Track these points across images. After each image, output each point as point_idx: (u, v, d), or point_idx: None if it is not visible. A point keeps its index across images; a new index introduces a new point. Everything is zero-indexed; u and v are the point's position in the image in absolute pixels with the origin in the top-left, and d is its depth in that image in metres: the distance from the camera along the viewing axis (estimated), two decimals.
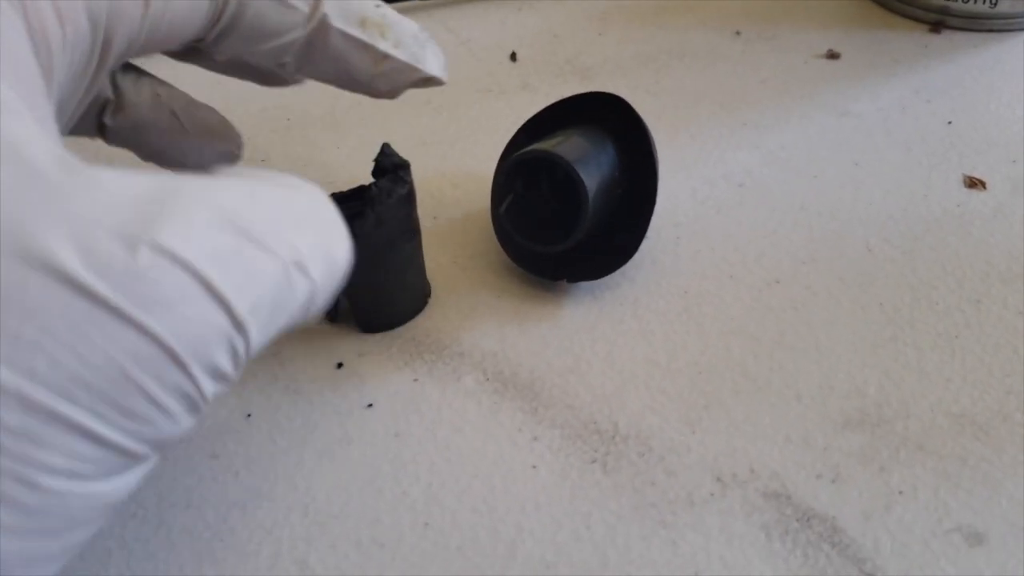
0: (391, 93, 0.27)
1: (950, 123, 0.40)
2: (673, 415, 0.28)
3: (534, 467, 0.26)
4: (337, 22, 0.24)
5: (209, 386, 0.17)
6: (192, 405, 0.17)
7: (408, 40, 0.26)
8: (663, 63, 0.45)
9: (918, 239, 0.34)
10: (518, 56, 0.45)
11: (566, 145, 0.30)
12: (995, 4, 0.45)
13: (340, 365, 0.29)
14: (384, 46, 0.25)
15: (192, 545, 0.24)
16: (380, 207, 0.28)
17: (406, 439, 0.27)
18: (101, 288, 0.15)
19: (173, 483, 0.26)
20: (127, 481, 0.17)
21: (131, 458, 0.16)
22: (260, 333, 0.17)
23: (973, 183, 0.36)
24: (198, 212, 0.16)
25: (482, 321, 0.31)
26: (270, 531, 0.25)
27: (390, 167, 0.28)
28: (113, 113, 0.26)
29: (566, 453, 0.27)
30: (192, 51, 0.25)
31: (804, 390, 0.28)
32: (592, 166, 0.30)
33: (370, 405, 0.28)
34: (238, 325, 0.17)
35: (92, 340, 0.15)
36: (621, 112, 0.33)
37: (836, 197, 0.36)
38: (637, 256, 0.31)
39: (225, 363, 0.17)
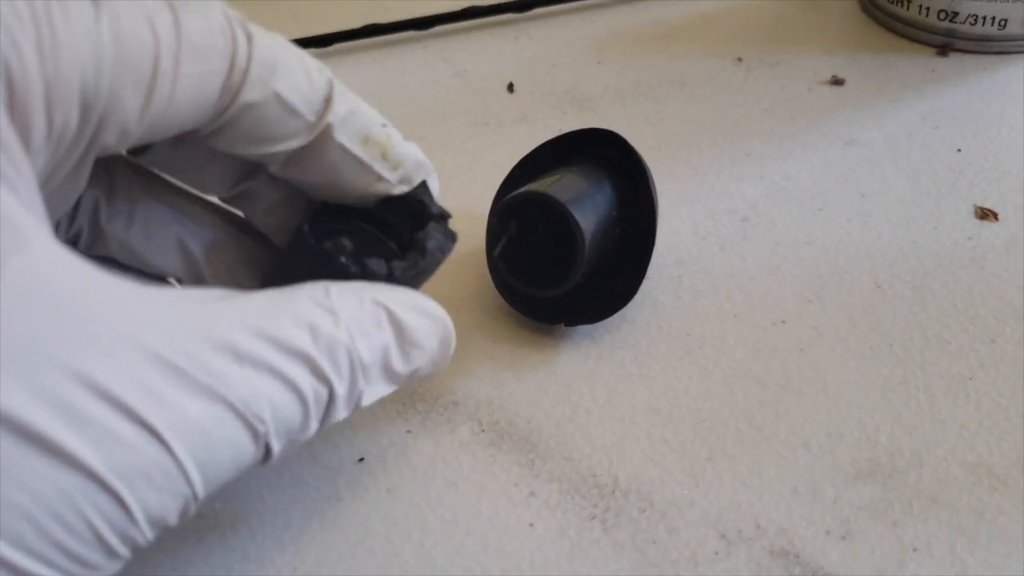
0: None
1: (959, 151, 0.39)
2: (675, 467, 0.27)
3: (531, 525, 0.25)
4: (340, 136, 0.23)
5: (152, 534, 0.18)
6: (134, 548, 0.18)
7: (409, 165, 0.24)
8: (663, 92, 0.44)
9: (928, 274, 0.33)
10: (515, 87, 0.44)
11: (561, 185, 0.29)
12: (1004, 25, 0.44)
13: None
14: (381, 167, 0.24)
15: None
16: (429, 260, 0.24)
17: (398, 495, 0.26)
18: (81, 454, 0.16)
19: (157, 546, 0.24)
20: None
21: None
22: (210, 491, 0.18)
23: (984, 214, 0.35)
24: (192, 369, 0.17)
25: (477, 367, 0.30)
26: None
27: (435, 215, 0.25)
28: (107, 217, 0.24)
29: (564, 509, 0.26)
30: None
31: (812, 438, 0.27)
32: (588, 206, 0.29)
33: (361, 459, 0.27)
34: (196, 496, 0.18)
35: (72, 506, 0.16)
36: (619, 147, 0.32)
37: (843, 231, 0.35)
38: (637, 298, 0.31)
39: (173, 520, 0.18)
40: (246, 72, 0.21)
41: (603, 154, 0.32)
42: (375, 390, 0.22)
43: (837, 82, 0.43)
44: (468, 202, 0.36)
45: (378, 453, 0.27)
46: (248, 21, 0.21)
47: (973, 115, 0.41)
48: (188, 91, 0.20)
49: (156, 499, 0.17)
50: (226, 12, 0.21)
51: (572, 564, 0.24)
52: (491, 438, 0.28)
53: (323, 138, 0.22)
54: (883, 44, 0.47)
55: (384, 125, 0.24)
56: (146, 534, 0.17)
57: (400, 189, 0.25)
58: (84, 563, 0.16)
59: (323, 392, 0.20)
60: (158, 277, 0.25)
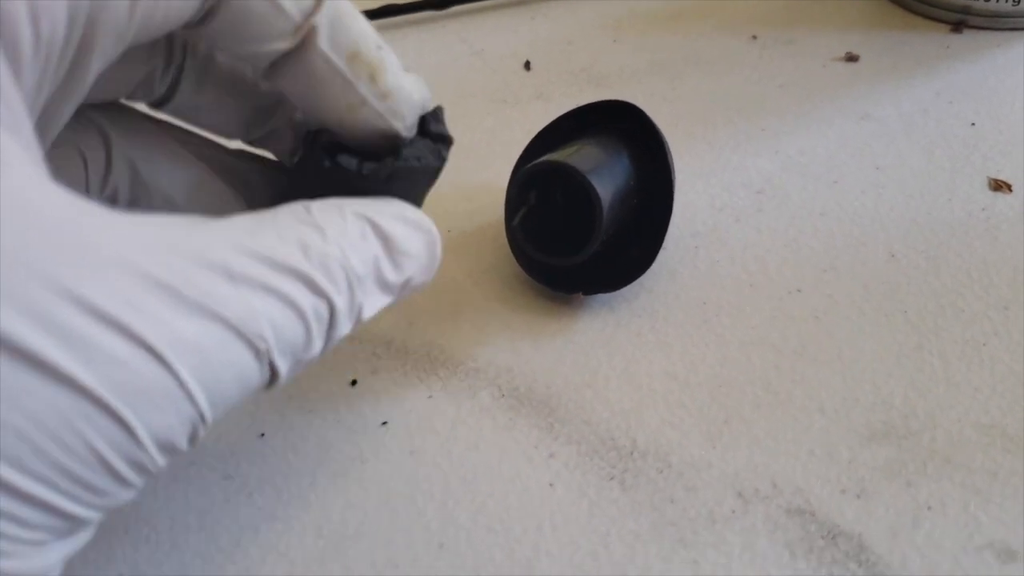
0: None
1: (973, 125, 0.39)
2: (693, 430, 0.27)
3: (551, 485, 0.26)
4: (324, 44, 0.21)
5: (163, 460, 0.17)
6: (145, 474, 0.17)
7: (401, 99, 0.22)
8: (679, 70, 0.44)
9: (943, 244, 0.33)
10: (532, 65, 0.45)
11: (580, 155, 0.30)
12: (1018, 2, 0.44)
13: (354, 382, 0.29)
14: (366, 90, 0.22)
15: (204, 568, 0.24)
16: (401, 166, 0.23)
17: (421, 457, 0.27)
18: (83, 378, 0.15)
19: (186, 505, 0.26)
20: (72, 544, 0.17)
21: (80, 524, 0.17)
22: (218, 415, 0.18)
23: (998, 186, 0.35)
24: (187, 284, 0.17)
25: (497, 336, 0.30)
26: (284, 553, 0.24)
27: (433, 134, 0.24)
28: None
29: (583, 470, 0.26)
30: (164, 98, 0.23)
31: (827, 402, 0.27)
32: (606, 176, 0.29)
33: (384, 423, 0.28)
34: (203, 418, 0.17)
35: (69, 427, 0.15)
36: (636, 120, 0.32)
37: (858, 203, 0.35)
38: (654, 267, 0.31)
39: (183, 445, 0.17)
40: None
41: (620, 126, 0.32)
42: (374, 301, 0.21)
43: (852, 59, 0.44)
44: (486, 176, 0.37)
45: (401, 417, 0.28)
46: None
47: (987, 91, 0.41)
48: None
49: (161, 420, 0.16)
50: None
51: (591, 523, 0.25)
52: (511, 403, 0.28)
53: (306, 44, 0.21)
54: (897, 21, 0.47)
55: (379, 48, 0.22)
56: (155, 459, 0.17)
57: (391, 125, 0.23)
58: (89, 487, 0.16)
59: (323, 307, 0.19)
60: None
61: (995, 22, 0.45)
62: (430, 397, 0.29)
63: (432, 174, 0.24)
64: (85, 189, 0.23)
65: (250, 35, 0.21)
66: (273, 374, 0.19)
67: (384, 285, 0.21)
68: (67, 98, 0.20)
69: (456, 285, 0.32)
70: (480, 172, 0.37)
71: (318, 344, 0.20)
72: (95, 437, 0.16)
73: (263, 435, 0.28)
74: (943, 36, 0.45)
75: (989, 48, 0.44)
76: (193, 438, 0.18)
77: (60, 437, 0.15)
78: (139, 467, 0.17)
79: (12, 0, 0.16)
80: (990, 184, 0.35)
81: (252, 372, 0.18)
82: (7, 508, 0.15)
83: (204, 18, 0.20)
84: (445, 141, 0.24)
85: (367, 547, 0.24)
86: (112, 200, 0.24)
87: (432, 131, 0.24)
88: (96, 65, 0.19)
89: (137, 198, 0.24)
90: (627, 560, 0.24)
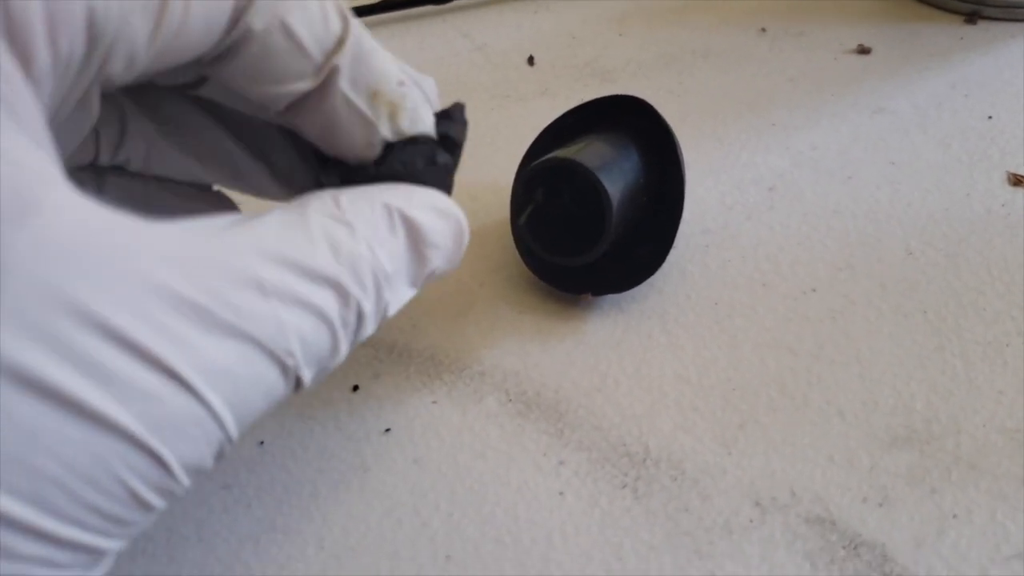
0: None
1: (990, 118, 0.38)
2: (707, 435, 0.26)
3: (561, 494, 0.25)
4: (345, 84, 0.20)
5: (190, 483, 0.17)
6: (172, 498, 0.17)
7: (417, 130, 0.22)
8: (686, 63, 0.43)
9: (962, 241, 0.32)
10: (536, 60, 0.44)
11: (587, 151, 0.29)
12: None
13: (356, 388, 0.28)
14: (385, 129, 0.21)
15: None
16: (402, 155, 0.22)
17: (425, 465, 0.26)
18: (117, 416, 0.15)
19: (184, 516, 0.25)
20: (95, 574, 0.17)
21: (105, 555, 0.17)
22: (243, 431, 0.18)
23: (1018, 180, 0.34)
24: (216, 307, 0.16)
25: (503, 339, 0.29)
26: (284, 566, 0.24)
27: (444, 133, 0.23)
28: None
29: (594, 478, 0.25)
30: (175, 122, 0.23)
31: (846, 406, 0.27)
32: (615, 173, 0.28)
33: (387, 430, 0.27)
34: (230, 439, 0.17)
35: (104, 468, 0.15)
36: (645, 115, 0.31)
37: (872, 199, 0.34)
38: (665, 267, 0.30)
39: (209, 465, 0.17)
40: None
41: (628, 121, 0.31)
42: (399, 297, 0.21)
43: (863, 51, 0.43)
44: (491, 174, 0.36)
45: (404, 424, 0.27)
46: None
47: (1003, 83, 0.40)
48: (200, 15, 0.18)
49: (191, 449, 0.16)
50: None
51: (604, 533, 0.24)
52: (518, 408, 0.27)
53: (327, 84, 0.20)
54: (909, 13, 0.46)
55: (401, 84, 0.22)
56: (184, 484, 0.17)
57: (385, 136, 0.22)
58: (119, 521, 0.16)
59: (351, 314, 0.19)
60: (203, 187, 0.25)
61: (1010, 12, 0.44)
62: (434, 403, 0.28)
63: (442, 172, 0.23)
64: (95, 156, 0.22)
65: (270, 75, 0.20)
66: (298, 383, 0.18)
67: (411, 279, 0.21)
68: (83, 116, 0.20)
69: (461, 286, 0.31)
70: (484, 170, 0.36)
71: (344, 350, 0.19)
72: (129, 475, 0.15)
73: (262, 443, 0.27)
74: (957, 27, 0.44)
75: (1004, 39, 0.43)
76: (219, 457, 0.17)
77: (95, 479, 0.15)
78: (168, 494, 0.17)
79: (29, 18, 0.16)
80: (1009, 179, 0.34)
81: (278, 386, 0.18)
82: (42, 554, 0.15)
83: (223, 55, 0.20)
84: (452, 142, 0.23)
85: (370, 560, 0.24)
86: (123, 166, 0.23)
87: (439, 131, 0.23)
88: (116, 82, 0.19)
89: (151, 167, 0.23)
90: (641, 572, 0.23)
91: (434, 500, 0.25)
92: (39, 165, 0.15)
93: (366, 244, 0.19)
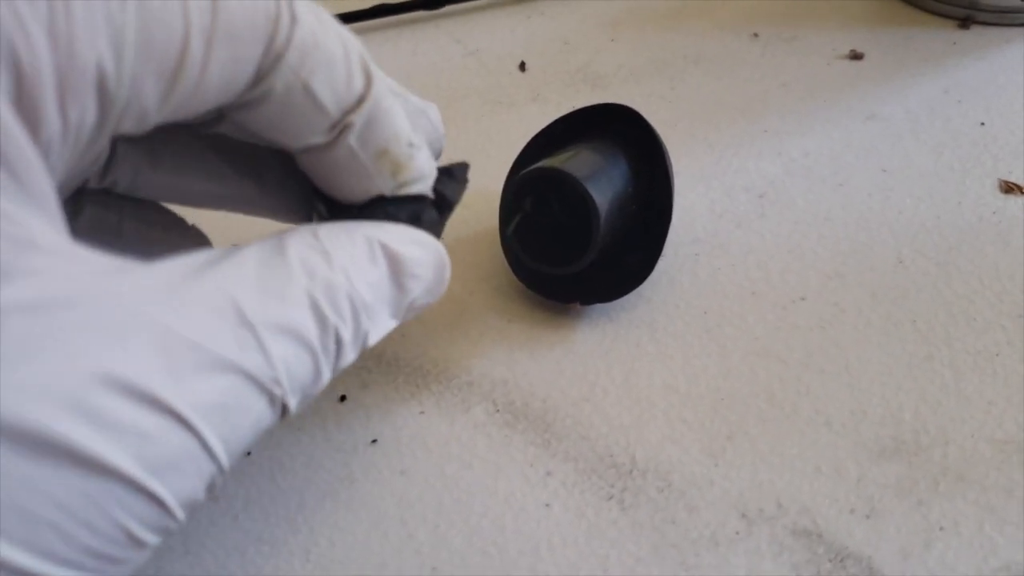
0: None
1: (983, 124, 0.38)
2: (694, 446, 0.26)
3: (547, 505, 0.25)
4: (354, 141, 0.20)
5: (184, 517, 0.17)
6: (167, 535, 0.17)
7: (416, 185, 0.23)
8: (678, 69, 0.43)
9: (953, 249, 0.32)
10: (528, 66, 0.44)
11: (576, 160, 0.28)
12: None
13: (343, 398, 0.28)
14: (383, 183, 0.22)
15: None
16: (390, 207, 0.22)
17: (412, 476, 0.26)
18: (110, 457, 0.15)
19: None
20: None
21: None
22: (233, 462, 0.18)
23: (1010, 188, 0.34)
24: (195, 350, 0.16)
25: (491, 348, 0.29)
26: None
27: (440, 192, 0.24)
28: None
29: (581, 489, 0.25)
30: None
31: (834, 416, 0.26)
32: (603, 182, 0.28)
33: (375, 441, 0.27)
34: (221, 469, 0.17)
35: (100, 512, 0.15)
36: (634, 124, 0.31)
37: (864, 206, 0.34)
38: (653, 275, 0.30)
39: (202, 498, 0.17)
40: (281, 57, 0.18)
41: (617, 130, 0.31)
42: (380, 327, 0.21)
43: (856, 56, 0.42)
44: (481, 181, 0.36)
45: (392, 434, 0.27)
46: None
47: (996, 88, 0.40)
48: (216, 78, 0.18)
49: (186, 484, 0.16)
50: None
51: (590, 544, 0.24)
52: (506, 418, 0.27)
53: (337, 139, 0.20)
54: (903, 17, 0.46)
55: (411, 145, 0.22)
56: (179, 519, 0.17)
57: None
58: (115, 560, 0.16)
59: (330, 342, 0.19)
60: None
61: (1003, 18, 0.44)
62: (422, 413, 0.28)
63: (426, 229, 0.23)
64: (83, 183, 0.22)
65: (284, 129, 0.20)
66: (284, 410, 0.19)
67: (392, 309, 0.21)
68: (89, 163, 0.20)
69: (450, 295, 0.31)
70: (474, 177, 0.36)
71: (326, 376, 0.19)
72: (126, 517, 0.15)
73: (249, 454, 0.27)
74: (950, 32, 0.44)
75: (998, 44, 0.43)
76: (210, 489, 0.17)
77: (91, 522, 0.15)
78: (163, 531, 0.17)
79: (40, 82, 0.16)
80: (1001, 186, 0.34)
81: (266, 415, 0.18)
82: None
83: (240, 108, 0.20)
84: (445, 202, 0.24)
85: (357, 571, 0.24)
86: (110, 189, 0.23)
87: (436, 188, 0.24)
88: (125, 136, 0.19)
89: (137, 190, 0.23)
90: None
91: (421, 511, 0.25)
92: (24, 231, 0.15)
93: (343, 273, 0.19)
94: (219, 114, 0.20)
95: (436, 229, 0.24)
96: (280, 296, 0.18)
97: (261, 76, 0.19)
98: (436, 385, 0.28)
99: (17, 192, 0.15)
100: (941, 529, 0.23)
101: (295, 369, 0.18)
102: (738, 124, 0.39)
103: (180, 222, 0.25)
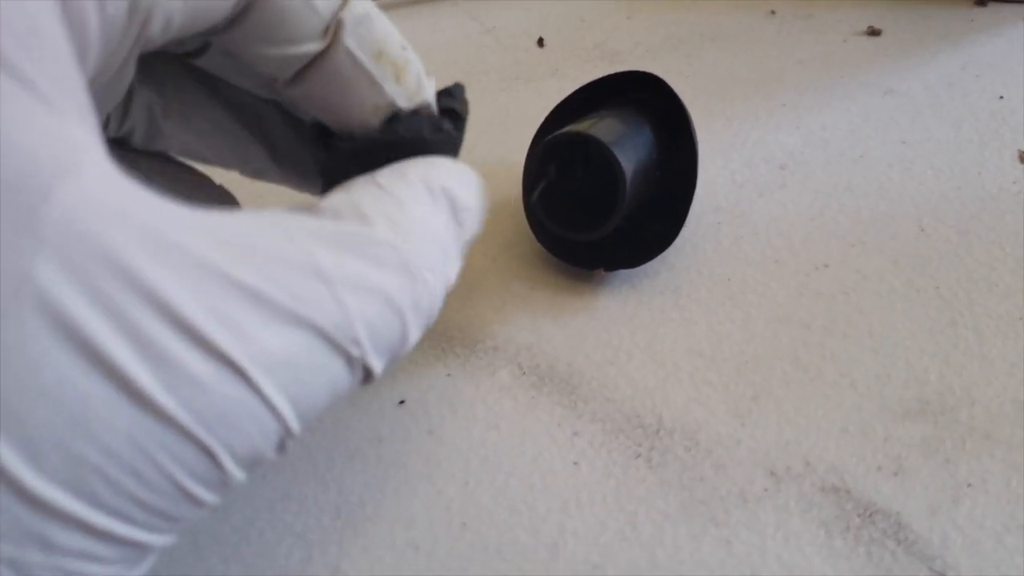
0: None
1: (1001, 98, 0.38)
2: (720, 407, 0.26)
3: (575, 464, 0.25)
4: (351, 41, 0.20)
5: (245, 475, 0.16)
6: (226, 492, 0.16)
7: (423, 97, 0.22)
8: (695, 45, 0.43)
9: (974, 218, 0.32)
10: (545, 42, 0.44)
11: (600, 126, 0.29)
12: None
13: None
14: (393, 90, 0.21)
15: (219, 550, 0.23)
16: (408, 123, 0.22)
17: (440, 437, 0.26)
18: (164, 403, 0.14)
19: None
20: (141, 570, 0.16)
21: (152, 550, 0.16)
22: (307, 424, 0.16)
23: None
24: (268, 301, 0.15)
25: (516, 314, 0.30)
26: (300, 535, 0.24)
27: (448, 107, 0.23)
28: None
29: (608, 448, 0.25)
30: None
31: (859, 379, 0.27)
32: (628, 148, 0.28)
33: (402, 402, 0.27)
34: (291, 432, 0.16)
35: (147, 459, 0.14)
36: (656, 92, 0.31)
37: (884, 177, 0.34)
38: (676, 243, 0.30)
39: (270, 456, 0.16)
40: None
41: (639, 98, 0.31)
42: (455, 269, 0.20)
43: (874, 33, 0.43)
44: (501, 153, 0.36)
45: (419, 396, 0.27)
46: None
47: (1014, 63, 0.40)
48: None
49: (244, 441, 0.15)
50: None
51: (618, 501, 0.24)
52: (532, 381, 0.27)
53: (334, 43, 0.20)
54: None
55: (404, 48, 0.21)
56: (238, 477, 0.15)
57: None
58: (166, 516, 0.15)
59: (421, 295, 0.18)
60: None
61: None
62: (448, 375, 0.28)
63: (447, 146, 0.23)
64: (104, 127, 0.22)
65: (283, 36, 0.20)
66: (367, 374, 0.17)
67: (460, 248, 0.20)
68: (118, 82, 0.19)
69: (474, 262, 0.31)
70: (495, 149, 0.36)
71: (415, 336, 0.18)
72: (175, 468, 0.14)
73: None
74: (967, 9, 0.44)
75: (1014, 20, 0.43)
76: (281, 449, 0.16)
77: (137, 470, 0.14)
78: (220, 488, 0.15)
79: None
80: (1020, 157, 0.34)
81: (343, 378, 0.17)
82: (82, 547, 0.14)
83: (238, 17, 0.19)
84: (456, 115, 0.23)
85: (387, 528, 0.24)
86: (127, 140, 0.23)
87: (442, 105, 0.23)
88: (151, 46, 0.18)
89: (153, 140, 0.23)
90: (656, 540, 0.23)
91: (449, 470, 0.25)
92: (82, 135, 0.14)
93: (420, 219, 0.18)
94: (204, 40, 0.20)
95: (456, 143, 0.23)
96: (361, 252, 0.17)
97: None
98: (462, 349, 0.29)
99: (60, 107, 0.14)
100: (969, 486, 0.24)
101: (378, 329, 0.17)
102: (755, 99, 0.39)
103: (208, 182, 0.25)
